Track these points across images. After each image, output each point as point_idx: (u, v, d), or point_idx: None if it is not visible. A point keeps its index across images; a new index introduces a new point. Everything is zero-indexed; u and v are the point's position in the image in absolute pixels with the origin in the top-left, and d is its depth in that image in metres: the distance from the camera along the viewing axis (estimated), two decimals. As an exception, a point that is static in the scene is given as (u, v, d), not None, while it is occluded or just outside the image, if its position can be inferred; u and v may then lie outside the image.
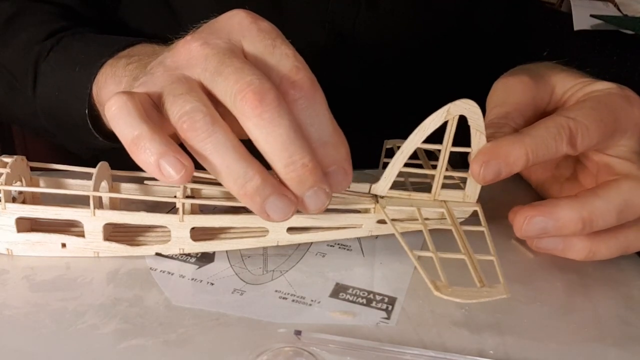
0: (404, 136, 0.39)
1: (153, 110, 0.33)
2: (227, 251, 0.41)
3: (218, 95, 0.33)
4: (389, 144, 0.49)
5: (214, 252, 0.41)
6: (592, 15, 0.74)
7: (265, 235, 0.40)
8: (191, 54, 0.34)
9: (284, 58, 0.33)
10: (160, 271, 0.39)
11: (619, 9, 0.82)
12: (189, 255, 0.40)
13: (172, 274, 0.38)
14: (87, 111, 0.45)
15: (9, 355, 0.31)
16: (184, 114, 0.31)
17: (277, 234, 0.40)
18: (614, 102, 0.40)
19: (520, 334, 0.35)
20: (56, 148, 0.58)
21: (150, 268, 0.39)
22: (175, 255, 0.40)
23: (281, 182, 0.33)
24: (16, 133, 0.83)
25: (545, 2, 0.84)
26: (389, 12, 0.59)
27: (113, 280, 0.37)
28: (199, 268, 0.39)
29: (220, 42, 0.34)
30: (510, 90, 0.43)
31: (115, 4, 0.60)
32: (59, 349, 0.32)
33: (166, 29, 0.59)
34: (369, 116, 0.65)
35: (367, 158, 0.49)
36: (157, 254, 0.40)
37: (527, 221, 0.39)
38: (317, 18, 0.58)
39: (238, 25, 0.35)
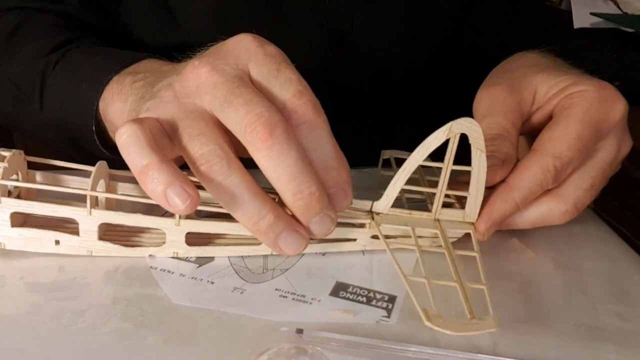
0: (403, 135, 0.39)
1: (162, 136, 0.34)
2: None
3: (228, 125, 0.34)
4: (385, 154, 0.49)
5: (213, 251, 0.41)
6: (592, 13, 0.74)
7: (259, 244, 0.40)
8: (200, 81, 0.34)
9: (287, 82, 0.34)
10: (160, 270, 0.39)
11: (619, 7, 0.82)
12: (188, 254, 0.40)
13: (172, 273, 0.38)
14: (94, 127, 0.46)
15: (9, 355, 0.31)
16: (201, 156, 0.33)
17: None
18: (596, 115, 0.41)
19: (519, 330, 0.35)
20: (63, 149, 0.58)
21: (150, 267, 0.39)
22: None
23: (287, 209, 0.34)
24: (21, 133, 0.83)
25: (545, 0, 0.84)
26: (387, 9, 0.59)
27: (112, 279, 0.37)
28: (199, 267, 0.39)
29: (228, 68, 0.34)
30: (496, 99, 0.43)
31: (115, 7, 0.60)
32: (59, 349, 0.32)
33: (166, 33, 0.59)
34: (368, 115, 0.64)
35: (366, 156, 0.48)
36: (157, 253, 0.40)
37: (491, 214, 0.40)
38: (314, 17, 0.58)
39: (245, 49, 0.35)
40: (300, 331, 0.33)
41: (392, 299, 0.37)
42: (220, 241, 0.40)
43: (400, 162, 0.39)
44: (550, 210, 0.42)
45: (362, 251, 0.42)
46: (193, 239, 0.39)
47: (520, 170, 0.41)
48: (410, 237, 0.39)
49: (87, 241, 0.38)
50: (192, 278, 0.38)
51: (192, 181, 0.32)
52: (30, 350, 0.32)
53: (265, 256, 0.41)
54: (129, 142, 0.32)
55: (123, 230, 0.40)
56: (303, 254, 0.41)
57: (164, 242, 0.39)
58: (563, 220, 0.42)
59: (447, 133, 0.37)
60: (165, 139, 0.34)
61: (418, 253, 0.38)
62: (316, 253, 0.41)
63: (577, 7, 0.75)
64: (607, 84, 0.42)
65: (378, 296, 0.37)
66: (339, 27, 0.59)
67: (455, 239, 0.41)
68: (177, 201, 0.31)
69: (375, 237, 0.41)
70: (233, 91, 0.33)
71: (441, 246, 0.39)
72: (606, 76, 0.43)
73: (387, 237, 0.39)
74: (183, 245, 0.39)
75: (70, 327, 0.33)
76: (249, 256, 0.40)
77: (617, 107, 0.42)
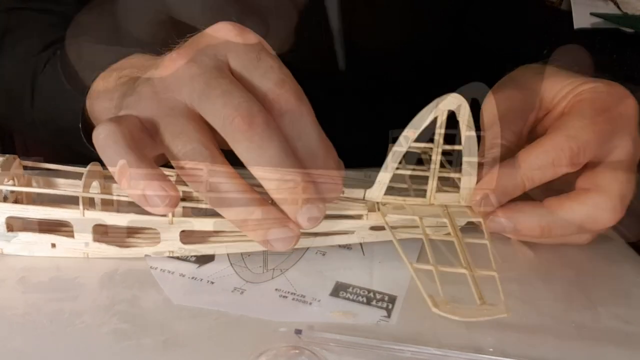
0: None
1: (142, 134, 0.33)
2: (226, 250, 0.41)
3: (207, 118, 0.33)
4: (395, 133, 0.48)
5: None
6: (592, 14, 0.74)
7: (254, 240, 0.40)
8: (177, 73, 0.34)
9: (269, 71, 0.33)
10: (160, 270, 0.38)
11: (619, 7, 0.82)
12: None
13: (172, 273, 0.38)
14: (80, 125, 0.45)
15: (7, 357, 0.31)
16: (185, 155, 0.32)
17: None
18: (608, 104, 0.40)
19: (519, 331, 0.35)
20: (56, 148, 0.58)
21: (150, 267, 0.39)
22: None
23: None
24: (16, 132, 0.83)
25: (545, 0, 0.84)
26: (386, 8, 0.59)
27: (111, 280, 0.37)
28: (199, 267, 0.39)
29: (206, 58, 0.34)
30: (493, 110, 0.42)
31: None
32: (57, 350, 0.32)
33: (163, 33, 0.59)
34: (367, 113, 0.64)
35: (368, 155, 0.48)
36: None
37: (489, 219, 0.39)
38: (312, 16, 0.58)
39: (223, 39, 0.35)
40: (299, 332, 0.33)
41: (392, 299, 0.37)
42: (215, 239, 0.40)
43: None
44: (596, 206, 0.39)
45: (362, 251, 0.42)
46: (189, 237, 0.39)
47: (531, 147, 0.39)
48: (412, 227, 0.39)
49: (82, 243, 0.38)
50: (192, 278, 0.38)
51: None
52: (28, 352, 0.31)
53: (266, 256, 0.40)
54: (105, 142, 0.32)
55: (118, 231, 0.40)
56: (303, 254, 0.41)
57: (159, 242, 0.39)
58: (611, 219, 0.39)
59: (434, 111, 0.36)
60: (146, 136, 0.33)
61: (425, 241, 0.37)
62: (316, 253, 0.41)
63: (577, 7, 0.75)
64: (616, 83, 0.42)
65: (378, 296, 0.37)
66: (337, 26, 0.59)
67: (459, 227, 0.40)
68: (156, 200, 0.31)
69: (373, 228, 0.40)
70: (210, 83, 0.32)
71: (449, 234, 0.38)
72: (606, 76, 0.43)
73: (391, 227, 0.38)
74: (178, 244, 0.39)
75: (69, 328, 0.33)
76: (249, 256, 0.40)
77: (628, 101, 0.41)
